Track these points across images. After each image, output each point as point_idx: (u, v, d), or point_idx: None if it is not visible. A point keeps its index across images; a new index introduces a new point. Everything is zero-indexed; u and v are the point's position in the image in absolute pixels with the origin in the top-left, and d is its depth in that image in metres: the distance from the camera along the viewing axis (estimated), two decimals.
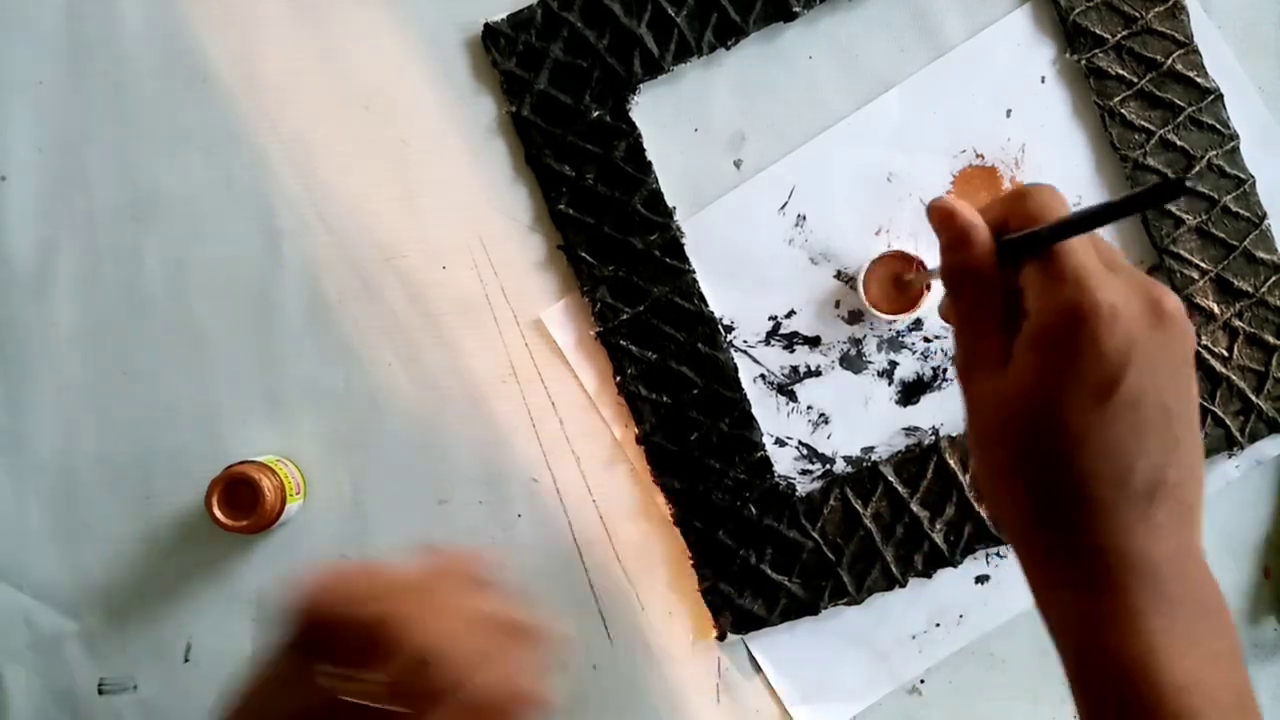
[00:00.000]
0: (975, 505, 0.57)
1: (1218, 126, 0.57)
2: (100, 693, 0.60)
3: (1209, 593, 0.36)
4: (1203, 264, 0.57)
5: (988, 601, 0.58)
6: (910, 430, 0.59)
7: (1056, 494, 0.36)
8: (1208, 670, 0.35)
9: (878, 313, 0.57)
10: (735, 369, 0.59)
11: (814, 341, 0.59)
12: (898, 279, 0.58)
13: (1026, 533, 0.38)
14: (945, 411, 0.59)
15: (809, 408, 0.59)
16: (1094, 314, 0.35)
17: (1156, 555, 0.35)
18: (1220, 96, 0.57)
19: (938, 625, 0.59)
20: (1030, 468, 0.37)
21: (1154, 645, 0.35)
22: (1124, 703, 0.35)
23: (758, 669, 0.59)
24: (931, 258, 0.58)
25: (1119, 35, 0.57)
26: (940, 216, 0.40)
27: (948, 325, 0.51)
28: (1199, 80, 0.57)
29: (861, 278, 0.57)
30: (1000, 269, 0.39)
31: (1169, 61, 0.57)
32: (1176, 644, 0.35)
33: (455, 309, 0.60)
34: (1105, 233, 0.58)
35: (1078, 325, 0.35)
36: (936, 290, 0.58)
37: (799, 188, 0.59)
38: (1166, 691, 0.35)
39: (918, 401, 0.59)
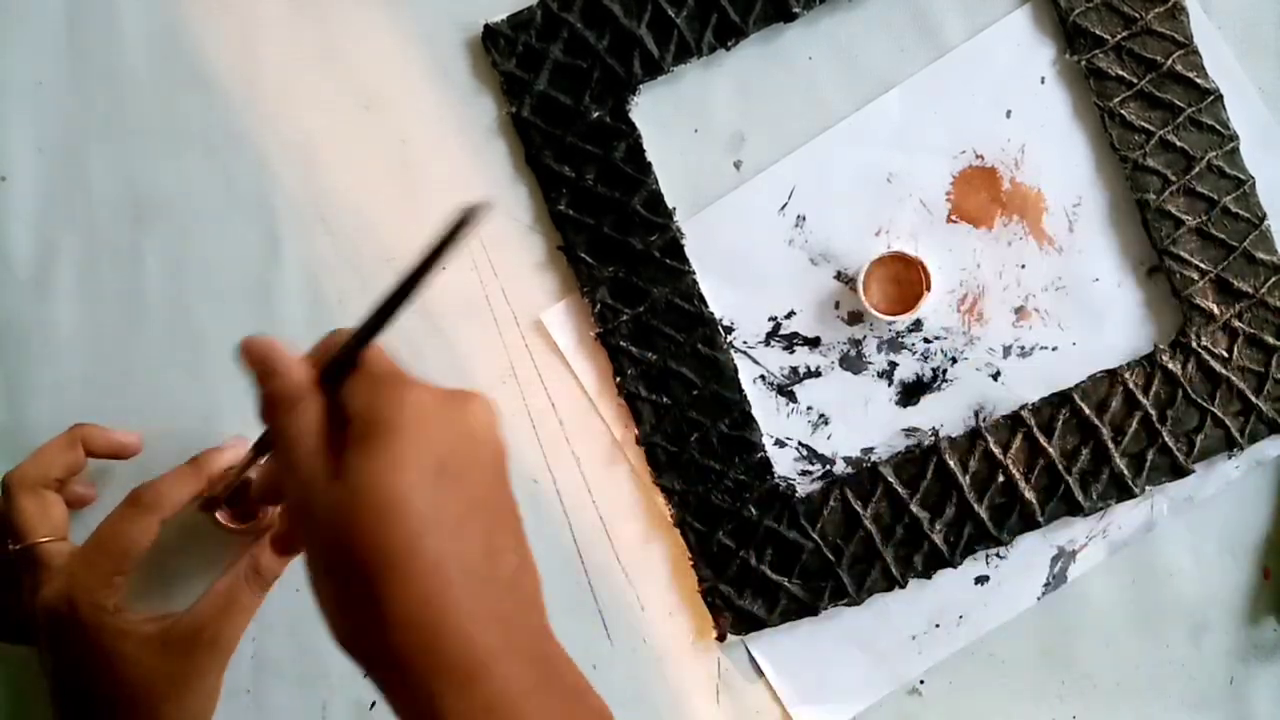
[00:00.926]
0: (975, 507, 0.57)
1: (1217, 127, 0.57)
2: None
3: (569, 674, 0.39)
4: (1202, 265, 0.57)
5: (988, 602, 0.59)
6: (910, 431, 0.59)
7: (365, 610, 0.35)
8: None
9: (877, 314, 0.57)
10: (735, 370, 0.59)
11: (814, 342, 0.59)
12: (897, 280, 0.58)
13: (386, 669, 0.36)
14: (945, 413, 0.59)
15: (809, 409, 0.59)
16: (407, 395, 0.37)
17: (503, 644, 0.36)
18: (1220, 97, 0.57)
19: (937, 626, 0.59)
20: (337, 563, 0.36)
21: None
22: None
23: (758, 670, 0.59)
24: (931, 261, 0.58)
25: (1119, 36, 0.57)
26: (250, 353, 0.40)
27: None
28: (1199, 81, 0.57)
29: (861, 279, 0.57)
30: (327, 395, 0.39)
31: (1169, 62, 0.57)
32: None
33: (455, 309, 0.60)
34: (1113, 240, 0.58)
35: (399, 408, 0.36)
36: (937, 291, 0.58)
37: (799, 188, 0.59)
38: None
39: (917, 402, 0.59)
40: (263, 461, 0.49)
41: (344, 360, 0.39)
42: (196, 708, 0.53)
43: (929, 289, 0.57)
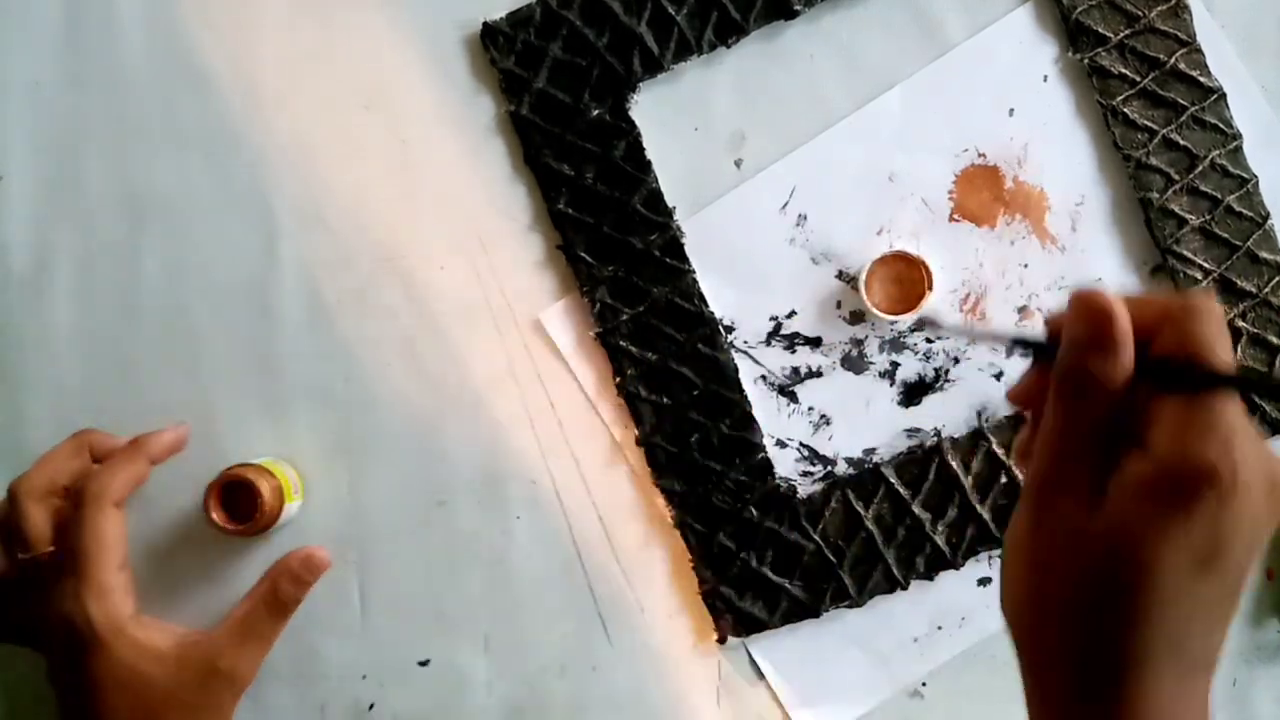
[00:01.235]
0: (977, 508, 0.57)
1: (1220, 126, 0.57)
2: None
3: None
4: (1206, 264, 0.57)
5: (990, 604, 0.58)
6: (912, 432, 0.58)
7: (1102, 646, 0.34)
8: None
9: (879, 313, 0.57)
10: (736, 370, 0.58)
11: (815, 342, 0.59)
12: (899, 279, 0.57)
13: (1049, 671, 0.36)
14: (947, 413, 0.58)
15: (810, 409, 0.59)
16: (1231, 483, 0.32)
17: (1177, 717, 0.34)
18: (1223, 96, 0.57)
19: (939, 628, 0.58)
20: (1085, 613, 0.34)
21: None
22: None
23: (759, 672, 0.59)
24: (933, 260, 0.57)
25: (1121, 34, 0.57)
26: (1089, 313, 0.34)
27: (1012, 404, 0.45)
28: (1202, 79, 0.57)
29: (863, 278, 0.57)
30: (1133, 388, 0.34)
31: (1172, 61, 0.56)
32: None
33: (454, 309, 0.60)
34: (1116, 239, 0.58)
35: (1206, 487, 0.32)
36: (939, 290, 0.58)
37: (800, 188, 0.59)
38: None
39: (919, 403, 0.59)
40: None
41: (1185, 379, 0.33)
42: None
43: (931, 288, 0.57)
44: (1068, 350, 0.35)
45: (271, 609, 0.55)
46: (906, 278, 0.57)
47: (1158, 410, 0.33)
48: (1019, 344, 0.39)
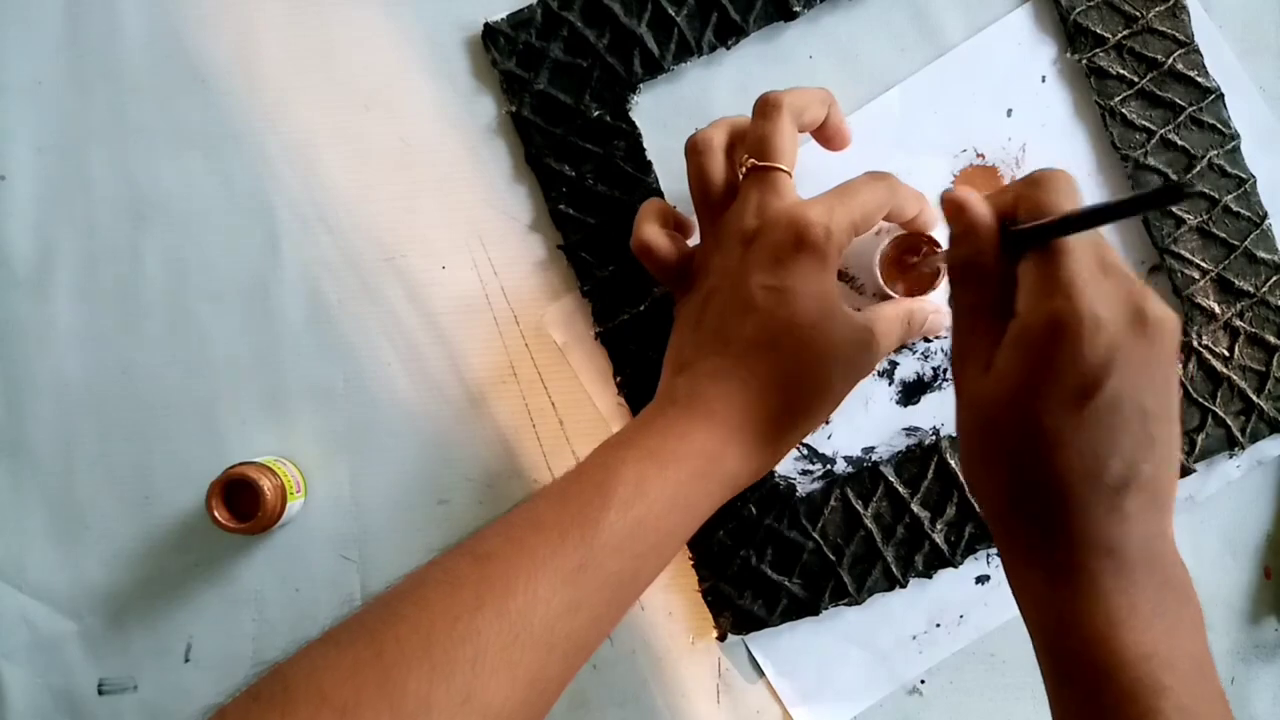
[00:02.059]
0: (976, 507, 0.57)
1: (1218, 126, 0.57)
2: (100, 693, 0.60)
3: (1174, 571, 0.39)
4: (1203, 264, 0.57)
5: (988, 602, 0.58)
6: (911, 430, 0.59)
7: (1032, 488, 0.38)
8: (1168, 641, 0.37)
9: (896, 295, 0.57)
10: None
11: None
12: (907, 259, 0.57)
13: (1002, 519, 0.40)
14: (946, 412, 0.58)
15: None
16: (1078, 324, 0.36)
17: (1123, 541, 0.38)
18: (1221, 96, 0.57)
19: (938, 626, 0.59)
20: (1008, 462, 0.39)
21: (1116, 619, 0.37)
22: (1087, 670, 0.37)
23: (758, 670, 0.59)
24: (942, 240, 0.57)
25: (1120, 35, 0.57)
26: (951, 209, 0.41)
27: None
28: (1200, 80, 0.57)
29: (876, 259, 0.57)
30: (1004, 263, 0.40)
31: (1170, 61, 0.57)
32: (1139, 619, 0.37)
33: (455, 309, 0.60)
34: (1109, 234, 0.58)
35: (1060, 333, 0.37)
36: (942, 287, 0.58)
37: (799, 187, 0.59)
38: (1127, 659, 0.37)
39: (918, 401, 0.59)
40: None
41: (1032, 238, 0.38)
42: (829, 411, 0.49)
43: (942, 272, 0.57)
44: (950, 245, 0.41)
45: (909, 325, 0.53)
46: (921, 261, 0.57)
47: (1020, 275, 0.38)
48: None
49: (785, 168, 0.48)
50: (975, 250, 0.40)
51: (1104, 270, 0.38)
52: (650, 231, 0.51)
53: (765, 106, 0.49)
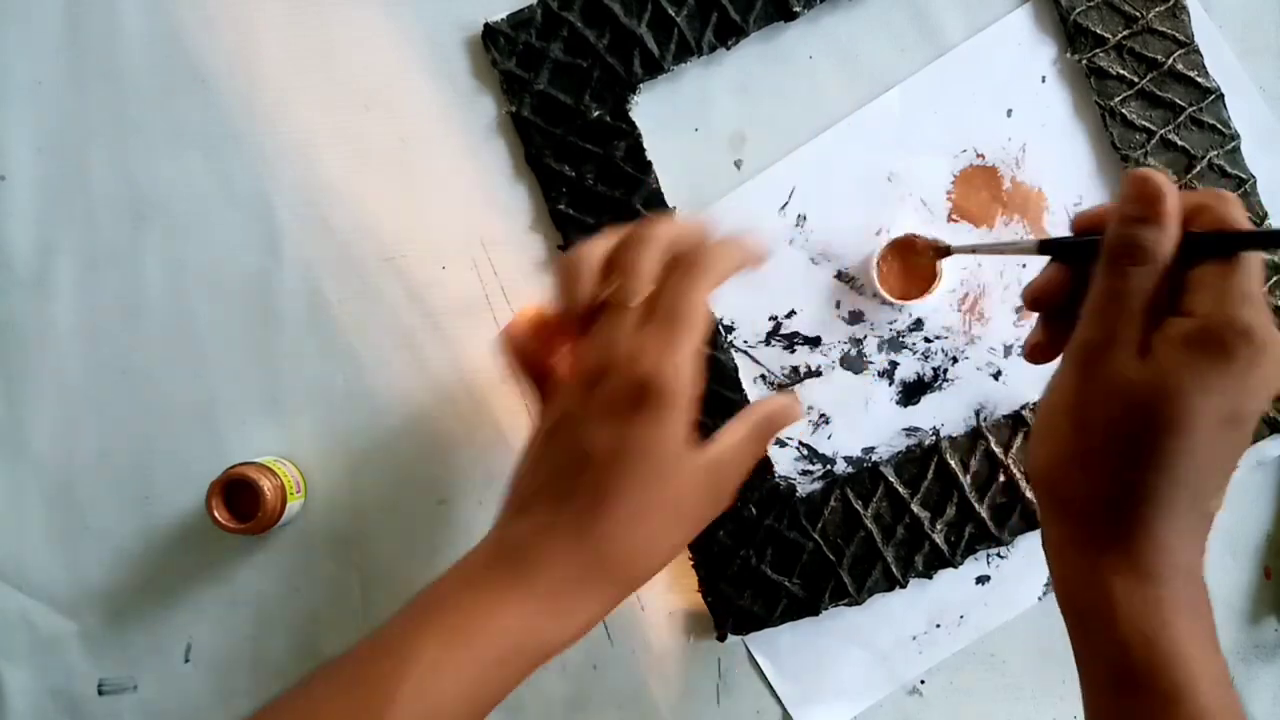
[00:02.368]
0: (976, 507, 0.57)
1: (1218, 126, 0.57)
2: (100, 693, 0.60)
3: (1204, 591, 0.40)
4: None
5: (988, 602, 0.58)
6: (911, 431, 0.59)
7: (1133, 489, 0.38)
8: (1202, 651, 0.39)
9: (892, 298, 0.57)
10: (736, 369, 0.59)
11: (814, 342, 0.59)
12: (908, 266, 0.57)
13: (1086, 509, 0.40)
14: (946, 412, 0.58)
15: (809, 408, 0.59)
16: (1261, 341, 0.36)
17: (1189, 561, 0.39)
18: (1221, 96, 0.57)
19: (938, 626, 0.59)
20: (1121, 459, 0.38)
21: (1166, 621, 0.38)
22: (1128, 661, 0.38)
23: (758, 669, 0.59)
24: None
25: (1120, 35, 0.57)
26: (1142, 188, 0.39)
27: (1023, 314, 0.52)
28: (1200, 80, 0.57)
29: (874, 262, 0.57)
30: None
31: (1170, 61, 0.57)
32: (1182, 627, 0.38)
33: (455, 309, 0.60)
34: None
35: (1241, 344, 0.36)
36: (948, 276, 0.58)
37: (799, 188, 0.59)
38: (1170, 660, 0.38)
39: (918, 402, 0.59)
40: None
41: (1217, 246, 0.38)
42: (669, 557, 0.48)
43: (940, 274, 0.57)
44: (1124, 223, 0.39)
45: (758, 433, 0.49)
46: (917, 263, 0.57)
47: (1197, 279, 0.38)
48: (1049, 245, 0.43)
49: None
50: (1160, 235, 0.39)
51: (1266, 302, 0.40)
52: (517, 329, 0.49)
53: (635, 238, 0.47)
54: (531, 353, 0.49)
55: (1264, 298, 0.38)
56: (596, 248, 0.47)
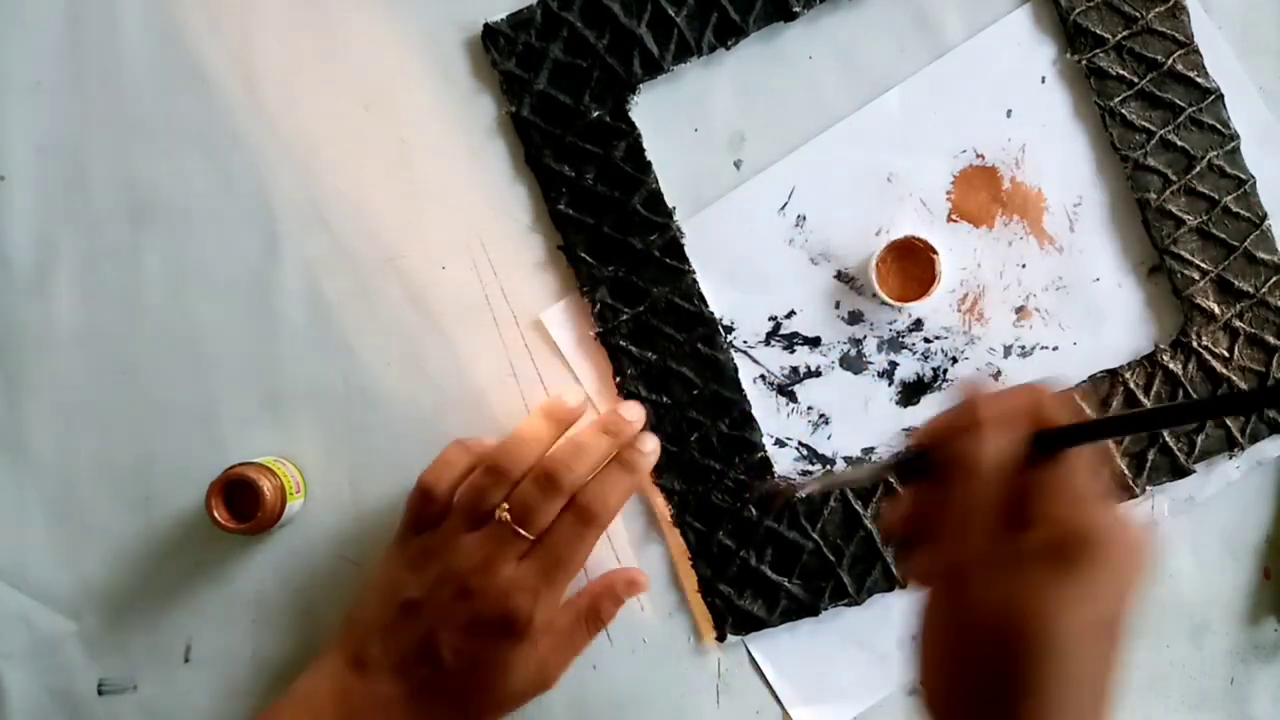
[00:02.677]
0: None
1: (1218, 127, 0.57)
2: (100, 693, 0.60)
3: None
4: (1203, 264, 0.57)
5: None
6: (911, 431, 0.59)
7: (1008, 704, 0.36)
8: None
9: (890, 300, 0.57)
10: (735, 370, 0.59)
11: (814, 342, 0.59)
12: (907, 269, 0.58)
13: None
14: None
15: (809, 408, 0.59)
16: (1101, 541, 0.35)
17: None
18: (1221, 97, 0.57)
19: None
20: (998, 688, 0.36)
21: None
22: None
23: (758, 670, 0.59)
24: (940, 244, 0.57)
25: (1119, 35, 0.57)
26: (973, 399, 0.39)
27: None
28: (1199, 80, 0.57)
29: (873, 264, 0.57)
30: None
31: (1169, 62, 0.57)
32: None
33: (455, 309, 0.60)
34: (1113, 239, 0.58)
35: (1079, 549, 0.35)
36: (948, 276, 0.58)
37: (799, 188, 0.59)
38: None
39: (918, 402, 0.59)
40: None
41: (1055, 441, 0.37)
42: None
43: (940, 275, 0.57)
44: (958, 438, 0.38)
45: (590, 625, 0.56)
46: (914, 267, 0.57)
47: (1036, 484, 0.37)
48: (894, 467, 0.44)
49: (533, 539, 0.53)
50: (984, 446, 0.37)
51: (1107, 496, 0.38)
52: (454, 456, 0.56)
53: (548, 480, 0.53)
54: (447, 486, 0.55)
55: (1109, 487, 0.37)
56: (463, 456, 0.56)
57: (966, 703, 0.38)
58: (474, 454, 0.56)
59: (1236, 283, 0.57)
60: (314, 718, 0.52)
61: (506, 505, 0.53)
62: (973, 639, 0.37)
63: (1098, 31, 0.57)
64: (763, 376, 0.59)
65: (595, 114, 0.58)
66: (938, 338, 0.59)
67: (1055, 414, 0.38)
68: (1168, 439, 0.57)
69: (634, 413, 0.57)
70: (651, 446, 0.56)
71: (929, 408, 0.59)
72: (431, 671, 0.52)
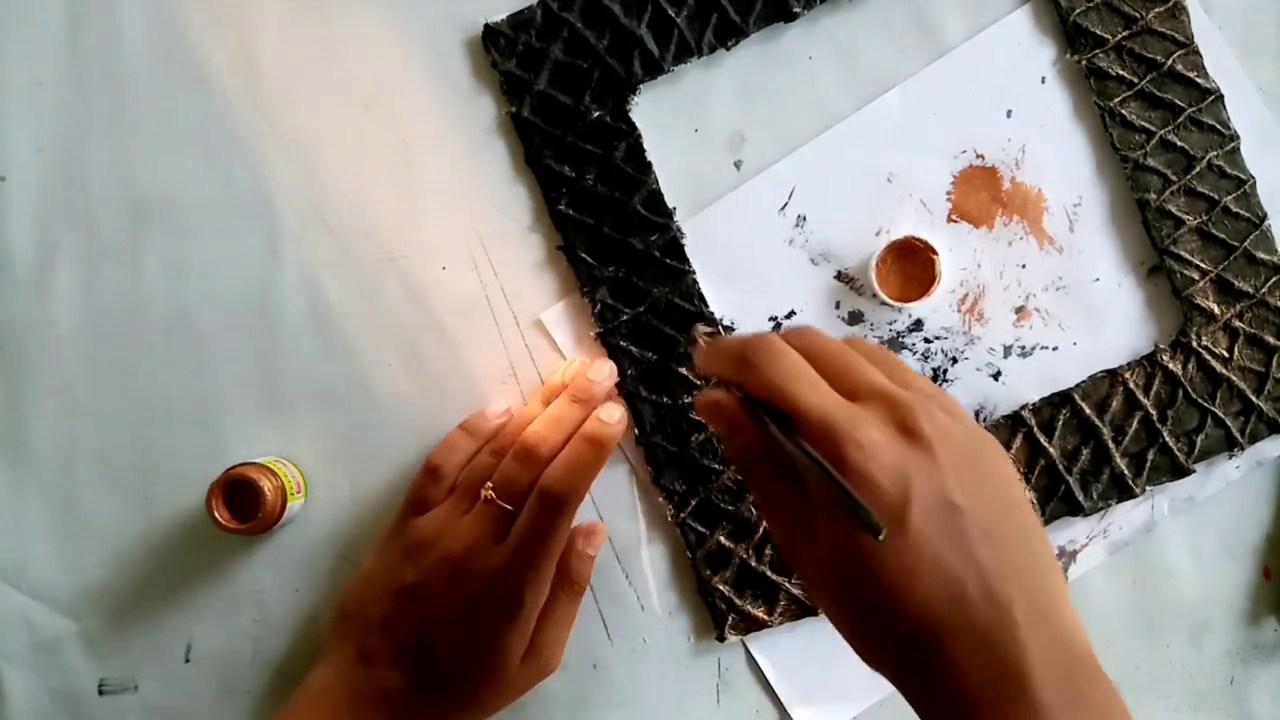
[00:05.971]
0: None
1: (1218, 127, 0.57)
2: (101, 693, 0.60)
3: (1092, 687, 0.36)
4: (1203, 265, 0.57)
5: None
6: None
7: (901, 634, 0.36)
8: None
9: (890, 300, 0.57)
10: None
11: None
12: (907, 269, 0.58)
13: (896, 677, 0.38)
14: None
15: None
16: (855, 459, 0.36)
17: (1025, 663, 0.35)
18: (1220, 97, 0.57)
19: None
20: (869, 617, 0.37)
21: None
22: None
23: (758, 670, 0.59)
24: (939, 244, 0.57)
25: (1119, 36, 0.57)
26: (711, 413, 0.43)
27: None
28: (1199, 81, 0.57)
29: (873, 264, 0.57)
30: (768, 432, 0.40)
31: (1169, 62, 0.57)
32: None
33: (455, 309, 0.60)
34: (1113, 239, 0.58)
35: (845, 476, 0.36)
36: (948, 276, 0.58)
37: (799, 188, 0.59)
38: None
39: None
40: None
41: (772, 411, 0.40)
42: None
43: (940, 276, 0.57)
44: (726, 445, 0.43)
45: (568, 590, 0.56)
46: (914, 267, 0.58)
47: (789, 447, 0.39)
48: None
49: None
50: (744, 439, 0.41)
51: (852, 392, 0.40)
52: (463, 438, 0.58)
53: (526, 454, 0.55)
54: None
55: (837, 397, 0.39)
56: (470, 442, 0.57)
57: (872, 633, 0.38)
58: (481, 437, 0.57)
59: (1236, 283, 0.57)
60: (330, 711, 0.53)
61: (490, 484, 0.54)
62: (833, 593, 0.38)
63: (1098, 32, 0.57)
64: None
65: (595, 114, 0.58)
66: (938, 338, 0.59)
67: (766, 382, 0.40)
68: (1167, 439, 0.57)
69: (602, 373, 0.57)
70: (617, 416, 0.56)
71: None
72: (431, 660, 0.52)
